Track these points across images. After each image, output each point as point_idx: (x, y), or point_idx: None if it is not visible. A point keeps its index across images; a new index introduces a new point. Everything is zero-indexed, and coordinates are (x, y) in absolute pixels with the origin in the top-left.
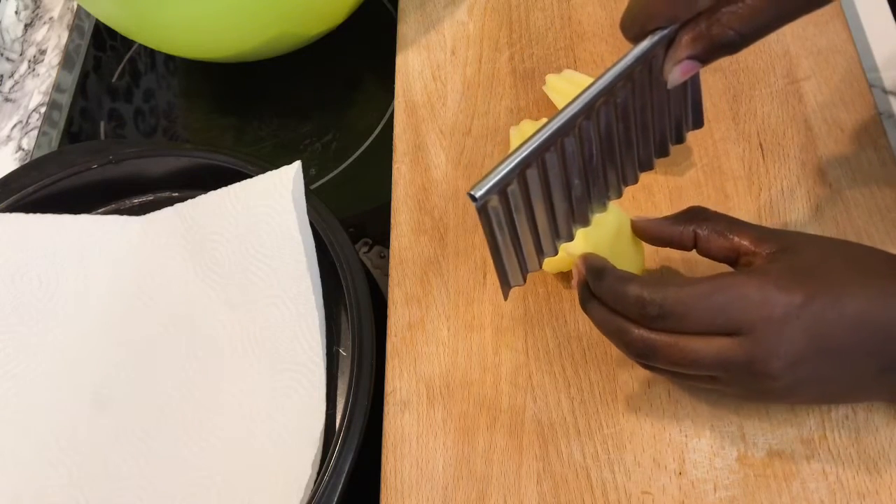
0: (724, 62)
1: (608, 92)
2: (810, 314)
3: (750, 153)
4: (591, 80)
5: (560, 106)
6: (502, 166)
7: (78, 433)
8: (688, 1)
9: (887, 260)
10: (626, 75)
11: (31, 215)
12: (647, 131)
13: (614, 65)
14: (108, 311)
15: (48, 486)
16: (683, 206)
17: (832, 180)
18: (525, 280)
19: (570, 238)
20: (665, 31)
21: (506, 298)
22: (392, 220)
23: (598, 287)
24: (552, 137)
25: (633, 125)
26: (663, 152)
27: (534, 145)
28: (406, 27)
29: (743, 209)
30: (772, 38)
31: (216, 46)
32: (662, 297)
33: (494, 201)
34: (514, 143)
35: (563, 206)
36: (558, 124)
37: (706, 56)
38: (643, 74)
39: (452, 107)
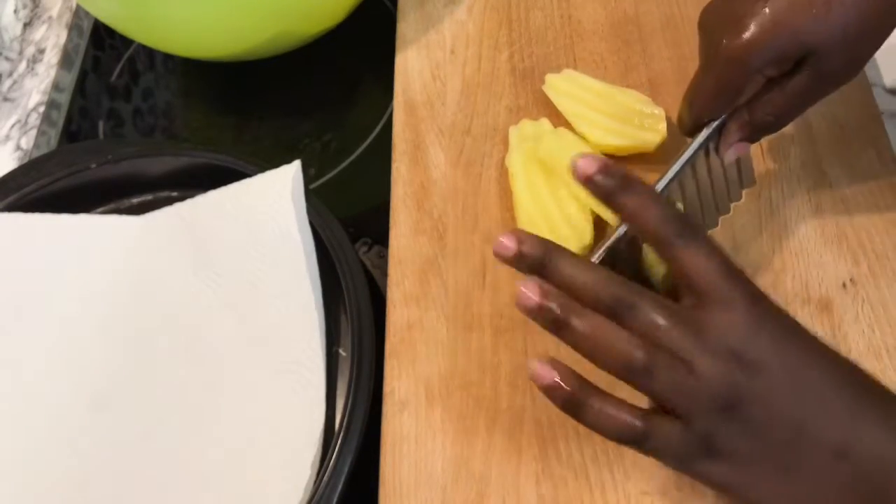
0: None
1: (677, 180)
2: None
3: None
4: (591, 79)
5: (560, 106)
6: None
7: (78, 433)
8: (728, 100)
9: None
10: (691, 163)
11: (29, 215)
12: (707, 199)
13: (680, 155)
14: (108, 311)
15: (48, 487)
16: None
17: (832, 179)
18: None
19: None
20: (717, 122)
21: None
22: (391, 220)
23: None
24: (629, 232)
25: (697, 200)
26: (725, 210)
27: (613, 238)
28: (405, 26)
29: (743, 208)
30: None
31: (215, 45)
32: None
33: None
34: (513, 143)
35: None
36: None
37: (752, 137)
38: (702, 156)
39: (452, 106)
